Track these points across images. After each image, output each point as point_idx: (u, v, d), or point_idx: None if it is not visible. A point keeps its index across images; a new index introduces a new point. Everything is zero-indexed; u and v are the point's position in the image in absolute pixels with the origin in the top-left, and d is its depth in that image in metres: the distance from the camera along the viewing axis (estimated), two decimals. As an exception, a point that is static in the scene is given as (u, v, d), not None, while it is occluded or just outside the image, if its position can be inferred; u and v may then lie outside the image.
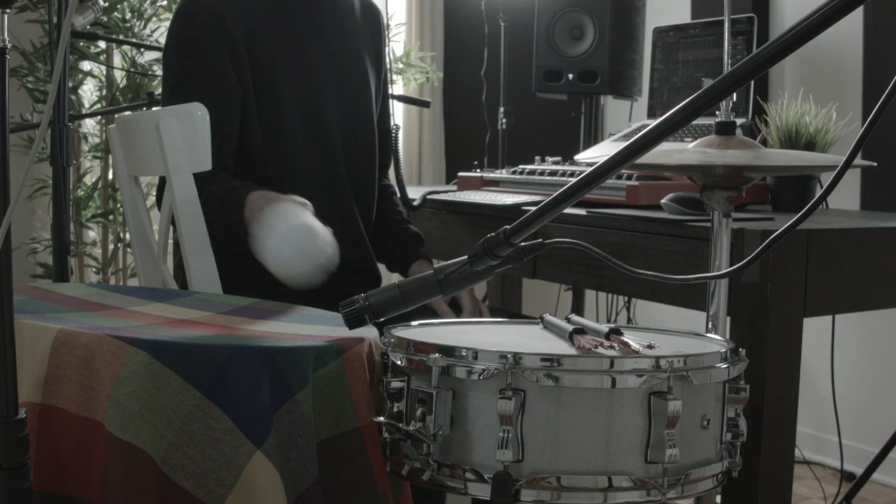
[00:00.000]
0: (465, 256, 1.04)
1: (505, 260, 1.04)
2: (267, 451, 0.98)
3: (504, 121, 2.90)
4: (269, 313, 1.28)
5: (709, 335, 1.24)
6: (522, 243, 1.03)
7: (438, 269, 1.05)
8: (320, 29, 1.73)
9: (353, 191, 1.74)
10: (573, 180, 0.96)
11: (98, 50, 3.01)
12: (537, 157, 2.24)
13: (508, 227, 1.01)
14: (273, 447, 0.99)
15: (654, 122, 0.86)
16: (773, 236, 1.08)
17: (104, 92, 3.08)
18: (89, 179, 3.18)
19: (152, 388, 0.97)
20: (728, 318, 1.38)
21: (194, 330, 1.13)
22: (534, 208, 0.99)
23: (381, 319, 1.06)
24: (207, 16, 1.60)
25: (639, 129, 2.31)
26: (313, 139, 1.68)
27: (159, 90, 3.12)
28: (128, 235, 2.78)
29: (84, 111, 3.04)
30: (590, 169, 0.94)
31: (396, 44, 3.44)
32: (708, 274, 1.22)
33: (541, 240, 1.07)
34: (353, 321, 1.05)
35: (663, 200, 1.68)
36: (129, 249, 3.10)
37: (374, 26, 1.87)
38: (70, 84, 2.70)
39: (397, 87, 3.41)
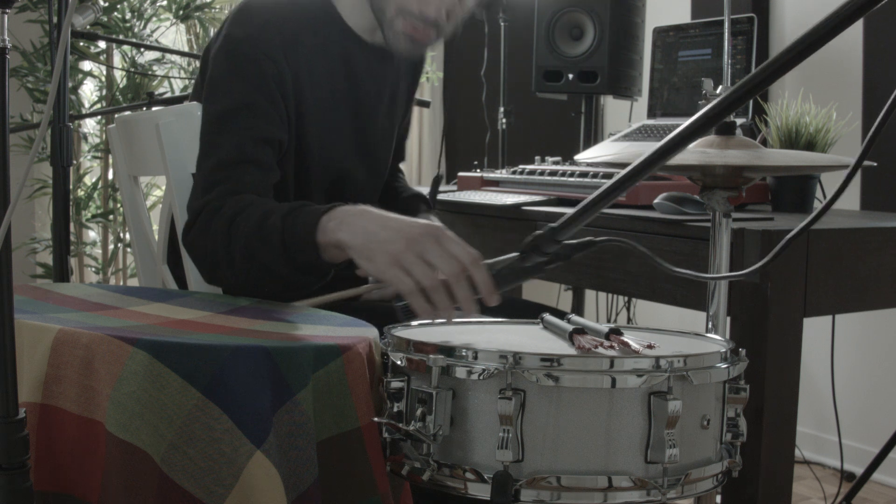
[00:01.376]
0: (516, 252, 1.06)
1: (553, 257, 1.05)
2: (267, 451, 0.98)
3: (504, 121, 2.90)
4: (269, 313, 1.28)
5: (709, 335, 1.24)
6: (572, 241, 1.05)
7: (490, 263, 1.08)
8: (354, 79, 1.61)
9: None
10: (614, 178, 0.96)
11: (98, 50, 3.01)
12: (537, 157, 2.24)
13: (555, 224, 1.02)
14: (273, 447, 0.99)
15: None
16: (791, 234, 1.08)
17: (104, 92, 3.08)
18: (89, 179, 3.18)
19: (152, 388, 0.97)
20: (728, 318, 1.38)
21: (194, 330, 1.13)
22: (575, 208, 1.00)
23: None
24: (264, 49, 1.46)
25: (639, 129, 2.31)
26: (334, 195, 1.60)
27: (159, 90, 3.12)
28: (128, 235, 2.78)
29: (84, 111, 3.04)
30: (633, 164, 0.94)
31: (396, 44, 3.44)
32: (741, 272, 1.21)
33: (590, 238, 1.08)
34: (407, 313, 1.10)
35: (656, 200, 1.68)
36: (129, 249, 3.10)
37: (415, 69, 1.81)
38: (70, 84, 2.70)
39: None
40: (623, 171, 0.94)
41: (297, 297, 1.44)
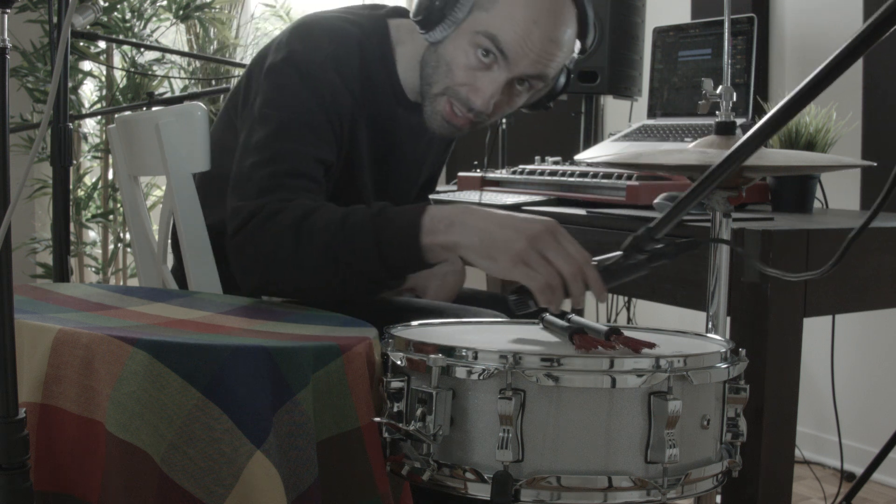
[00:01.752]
0: (620, 251, 1.11)
1: (654, 255, 1.10)
2: (267, 451, 0.98)
3: (504, 121, 2.90)
4: (268, 313, 1.28)
5: (709, 335, 1.24)
6: (679, 240, 1.11)
7: (598, 260, 1.13)
8: (393, 139, 1.59)
9: None
10: (700, 178, 1.01)
11: (98, 50, 3.01)
12: (537, 157, 2.24)
13: (650, 224, 1.08)
14: (273, 447, 0.99)
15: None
16: (853, 233, 1.11)
17: (104, 92, 3.09)
18: (89, 179, 3.19)
19: (152, 388, 0.97)
20: (728, 318, 1.38)
21: (194, 330, 1.13)
22: (667, 209, 1.06)
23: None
24: (328, 77, 1.44)
25: (639, 129, 2.31)
26: None
27: (159, 90, 3.12)
28: (128, 235, 2.78)
29: (84, 111, 3.04)
30: (731, 149, 0.98)
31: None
32: (819, 270, 1.22)
33: (694, 238, 1.13)
34: (520, 307, 1.13)
35: (656, 200, 1.68)
36: (129, 249, 3.10)
37: (445, 149, 1.79)
38: (70, 84, 2.71)
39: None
40: (710, 169, 1.01)
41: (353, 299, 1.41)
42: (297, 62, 1.43)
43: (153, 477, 0.96)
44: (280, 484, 0.98)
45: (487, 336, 1.18)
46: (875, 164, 1.44)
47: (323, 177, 1.42)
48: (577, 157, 2.17)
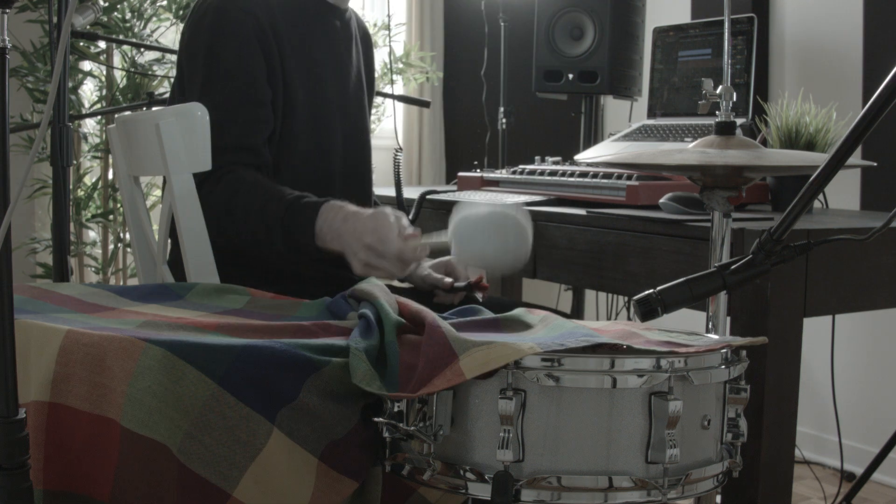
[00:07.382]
0: (749, 255, 1.14)
1: (777, 257, 1.14)
2: (286, 426, 0.99)
3: (504, 121, 2.90)
4: (263, 315, 1.27)
5: (709, 335, 1.24)
6: (793, 244, 1.14)
7: (721, 265, 1.16)
8: (331, 48, 1.73)
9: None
10: (810, 181, 1.05)
11: (98, 50, 3.01)
12: (537, 157, 2.24)
13: (773, 227, 1.12)
14: (292, 419, 1.00)
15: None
16: (872, 233, 1.18)
17: (104, 92, 3.08)
18: (89, 179, 3.18)
19: (168, 380, 0.98)
20: (728, 318, 1.38)
21: (197, 326, 1.13)
22: (784, 212, 1.10)
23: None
24: (243, 17, 1.59)
25: (639, 129, 2.31)
26: (319, 158, 1.70)
27: (159, 90, 3.12)
28: (128, 235, 2.78)
29: (84, 111, 3.04)
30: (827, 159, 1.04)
31: (396, 44, 3.44)
32: None
33: (808, 241, 1.15)
34: (646, 314, 1.15)
35: (661, 200, 1.68)
36: (129, 249, 3.10)
37: (367, 46, 1.91)
38: (70, 84, 2.70)
39: (397, 87, 3.42)
40: (818, 170, 1.07)
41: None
42: (216, 20, 1.58)
43: (172, 469, 0.97)
44: (301, 453, 0.99)
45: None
46: (875, 164, 1.44)
47: (265, 136, 1.60)
48: (577, 157, 2.17)
